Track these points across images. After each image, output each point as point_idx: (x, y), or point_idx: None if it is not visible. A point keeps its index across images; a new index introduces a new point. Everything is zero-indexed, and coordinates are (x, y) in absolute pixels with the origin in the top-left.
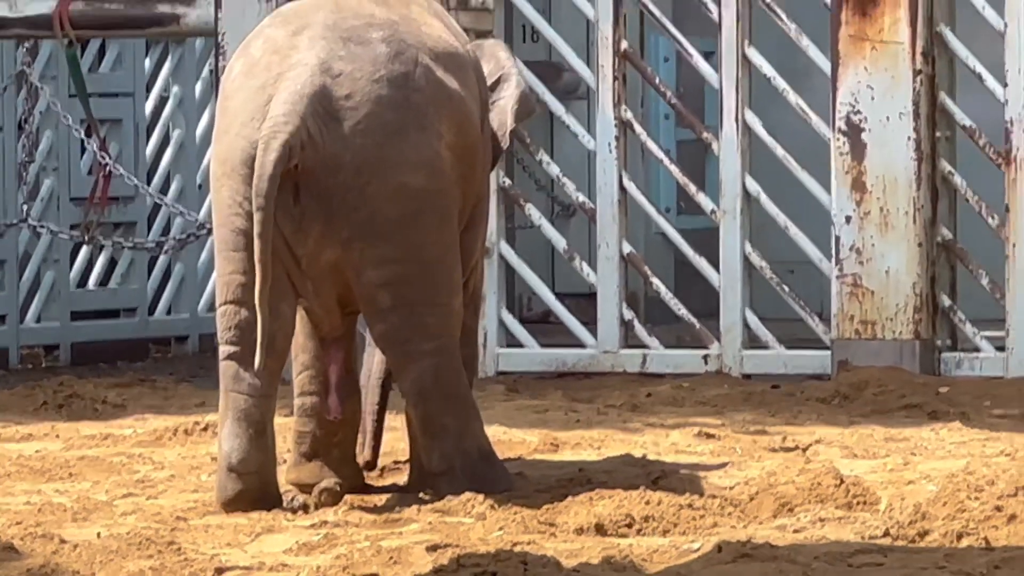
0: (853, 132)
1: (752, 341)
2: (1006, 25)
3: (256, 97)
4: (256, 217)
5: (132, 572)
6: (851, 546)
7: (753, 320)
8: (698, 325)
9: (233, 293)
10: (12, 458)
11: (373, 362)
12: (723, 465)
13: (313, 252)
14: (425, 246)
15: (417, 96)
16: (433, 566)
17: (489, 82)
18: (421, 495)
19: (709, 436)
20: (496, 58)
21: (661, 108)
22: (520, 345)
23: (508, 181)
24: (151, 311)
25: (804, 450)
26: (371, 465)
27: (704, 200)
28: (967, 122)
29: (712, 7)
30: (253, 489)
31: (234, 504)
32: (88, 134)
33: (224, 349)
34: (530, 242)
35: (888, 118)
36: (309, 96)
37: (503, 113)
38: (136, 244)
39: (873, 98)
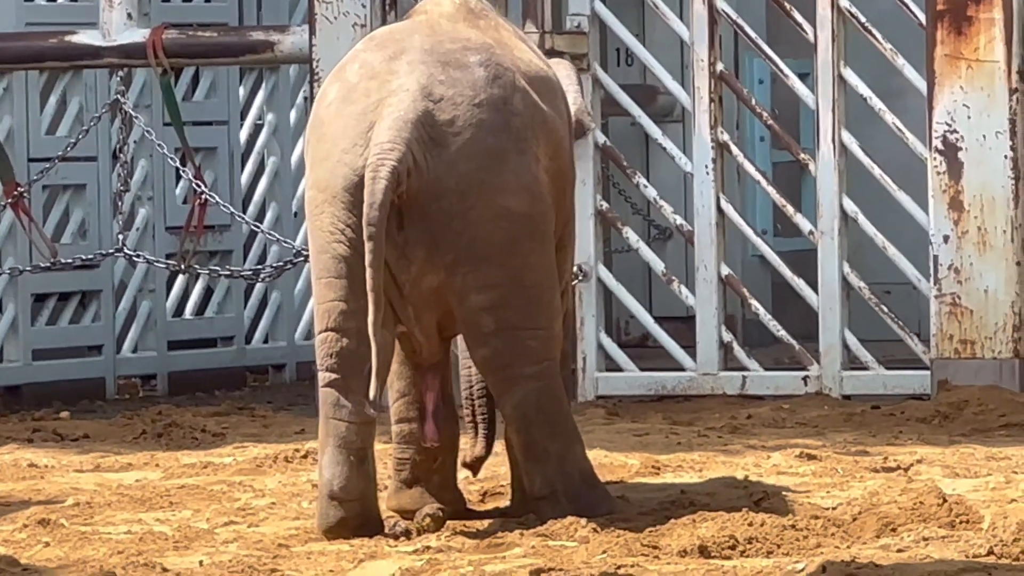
0: (950, 151)
1: (851, 362)
2: None
3: (357, 124)
4: (368, 245)
5: None
6: (955, 565)
7: (852, 341)
8: (797, 346)
9: (334, 320)
10: (112, 487)
11: (472, 375)
12: (825, 486)
13: (416, 278)
14: (527, 269)
15: (516, 120)
16: None
17: None
18: (523, 519)
19: (810, 457)
20: (559, 76)
21: (757, 130)
22: (619, 369)
23: (605, 204)
24: (248, 340)
25: (906, 470)
26: (482, 460)
27: (801, 221)
28: None
29: (807, 28)
30: (355, 516)
31: (336, 531)
32: (183, 163)
33: (324, 376)
34: (627, 265)
35: (985, 137)
36: (413, 122)
37: None
38: (232, 272)
39: (969, 117)
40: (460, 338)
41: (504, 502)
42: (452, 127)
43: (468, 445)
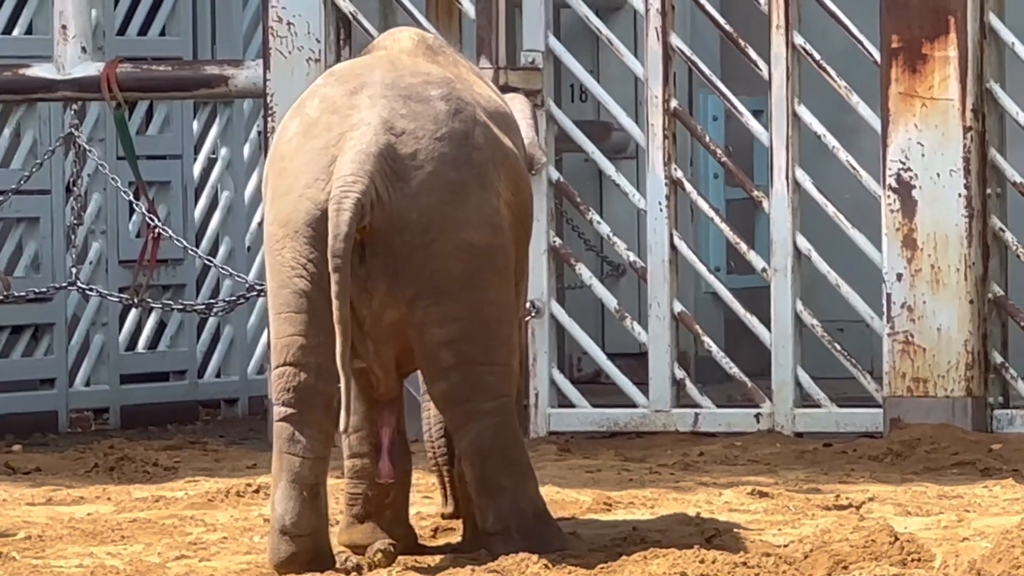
0: (904, 189)
1: (804, 399)
2: None
3: (319, 158)
4: (333, 277)
5: None
6: None
7: (805, 378)
8: (750, 384)
9: (293, 355)
10: (64, 521)
11: (431, 416)
12: (777, 523)
13: (377, 312)
14: (487, 304)
15: (477, 154)
16: None
17: None
18: (475, 555)
19: (762, 495)
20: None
21: (711, 167)
22: (571, 405)
23: (558, 240)
24: (200, 374)
25: (858, 508)
26: (456, 515)
27: (755, 258)
28: (1018, 178)
29: (762, 65)
30: (306, 551)
31: (287, 566)
32: (137, 196)
33: (279, 411)
34: (580, 302)
35: (939, 175)
36: (375, 155)
37: None
38: (185, 306)
39: (923, 155)
40: (420, 379)
41: (456, 537)
42: (414, 161)
43: (440, 501)
